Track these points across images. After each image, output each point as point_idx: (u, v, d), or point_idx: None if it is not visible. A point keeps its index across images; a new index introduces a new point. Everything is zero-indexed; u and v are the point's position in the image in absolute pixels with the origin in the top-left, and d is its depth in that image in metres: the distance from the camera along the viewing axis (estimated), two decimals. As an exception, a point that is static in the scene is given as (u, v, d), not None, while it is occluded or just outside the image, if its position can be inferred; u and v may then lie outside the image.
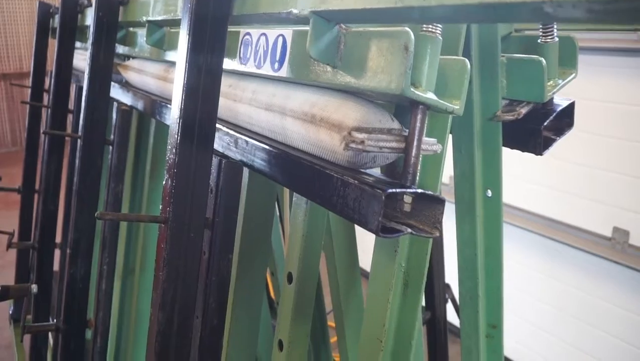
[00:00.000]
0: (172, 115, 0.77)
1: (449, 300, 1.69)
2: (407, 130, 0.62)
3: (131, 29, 1.51)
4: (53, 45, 2.61)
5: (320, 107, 0.70)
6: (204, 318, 0.84)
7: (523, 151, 0.87)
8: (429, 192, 0.61)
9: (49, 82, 2.58)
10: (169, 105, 1.22)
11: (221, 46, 0.77)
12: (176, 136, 0.75)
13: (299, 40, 0.73)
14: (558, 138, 0.87)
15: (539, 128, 0.83)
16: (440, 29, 0.59)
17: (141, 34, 1.42)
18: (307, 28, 0.71)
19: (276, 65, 0.77)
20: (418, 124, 0.60)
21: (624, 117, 2.25)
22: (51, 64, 2.53)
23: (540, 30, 0.83)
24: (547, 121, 0.83)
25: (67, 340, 1.41)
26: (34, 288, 1.59)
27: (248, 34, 0.85)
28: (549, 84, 0.82)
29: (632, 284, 2.28)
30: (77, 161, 1.37)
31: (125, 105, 1.43)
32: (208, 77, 0.77)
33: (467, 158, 0.87)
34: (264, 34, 0.81)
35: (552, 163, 2.48)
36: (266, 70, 0.80)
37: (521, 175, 2.62)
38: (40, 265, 1.92)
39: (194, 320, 0.83)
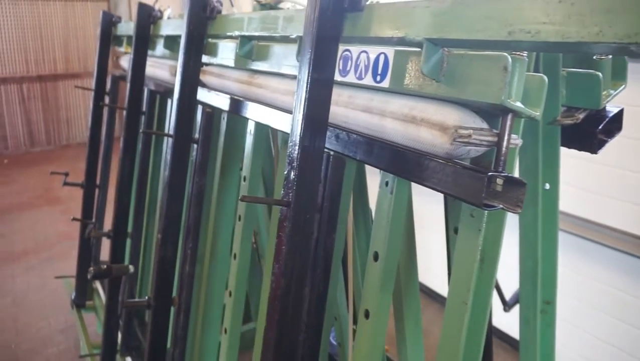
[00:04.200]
0: (294, 119, 0.94)
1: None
2: (494, 130, 0.79)
3: (210, 40, 1.70)
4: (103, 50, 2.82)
5: (420, 110, 0.87)
6: (312, 286, 1.01)
7: (579, 150, 1.02)
8: (516, 177, 0.77)
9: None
10: (248, 103, 1.40)
11: (333, 62, 0.95)
12: (298, 135, 0.93)
13: (399, 58, 0.90)
14: (609, 139, 1.03)
15: (595, 130, 0.98)
16: (526, 52, 0.75)
17: (222, 44, 1.61)
18: (407, 49, 0.89)
19: (378, 78, 0.94)
20: (508, 123, 0.76)
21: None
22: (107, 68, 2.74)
23: (596, 48, 0.99)
24: (602, 125, 0.99)
25: (156, 315, 1.60)
26: (131, 268, 1.79)
27: (348, 50, 1.03)
28: (603, 93, 0.98)
29: (661, 280, 2.40)
30: (167, 157, 1.56)
31: (209, 107, 1.62)
32: (323, 87, 0.94)
33: (532, 156, 1.03)
34: (364, 51, 0.98)
35: (586, 166, 2.61)
36: (367, 81, 0.97)
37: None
38: (115, 251, 2.12)
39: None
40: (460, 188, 0.76)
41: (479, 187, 0.73)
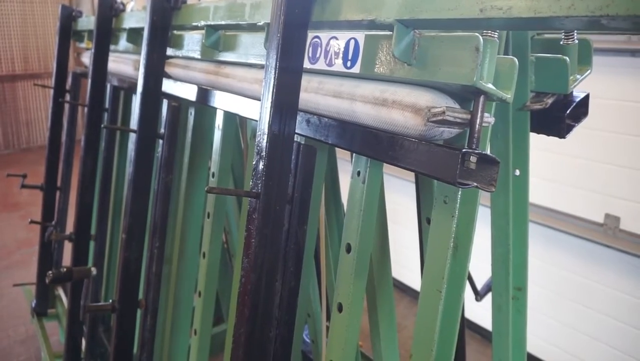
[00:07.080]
0: (263, 107, 0.91)
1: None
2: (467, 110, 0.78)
3: (175, 32, 1.64)
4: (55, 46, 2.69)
5: (391, 93, 0.84)
6: (283, 280, 0.98)
7: (548, 135, 1.03)
8: (489, 154, 0.76)
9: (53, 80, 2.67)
10: (216, 92, 1.36)
11: (303, 45, 0.92)
12: (267, 124, 0.89)
13: (370, 42, 0.88)
14: (576, 124, 1.04)
15: (563, 115, 0.99)
16: (497, 33, 0.75)
17: (188, 36, 1.55)
18: (378, 32, 0.87)
19: (349, 64, 0.92)
20: (481, 101, 0.75)
21: (614, 112, 2.45)
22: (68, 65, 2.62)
23: (563, 33, 0.99)
24: (569, 109, 1.00)
25: (121, 318, 1.53)
26: (94, 270, 1.70)
27: (317, 37, 1.00)
28: (570, 78, 0.99)
29: (623, 266, 2.48)
30: (131, 153, 1.50)
31: (175, 100, 1.56)
32: (292, 72, 0.91)
33: (503, 142, 1.03)
34: (334, 37, 0.96)
35: (548, 157, 2.68)
36: (338, 67, 0.94)
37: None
38: (77, 254, 2.02)
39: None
40: (435, 167, 0.75)
41: (453, 164, 0.72)
